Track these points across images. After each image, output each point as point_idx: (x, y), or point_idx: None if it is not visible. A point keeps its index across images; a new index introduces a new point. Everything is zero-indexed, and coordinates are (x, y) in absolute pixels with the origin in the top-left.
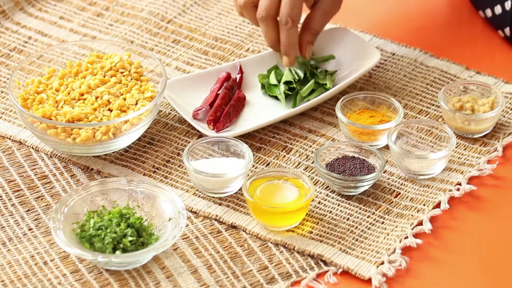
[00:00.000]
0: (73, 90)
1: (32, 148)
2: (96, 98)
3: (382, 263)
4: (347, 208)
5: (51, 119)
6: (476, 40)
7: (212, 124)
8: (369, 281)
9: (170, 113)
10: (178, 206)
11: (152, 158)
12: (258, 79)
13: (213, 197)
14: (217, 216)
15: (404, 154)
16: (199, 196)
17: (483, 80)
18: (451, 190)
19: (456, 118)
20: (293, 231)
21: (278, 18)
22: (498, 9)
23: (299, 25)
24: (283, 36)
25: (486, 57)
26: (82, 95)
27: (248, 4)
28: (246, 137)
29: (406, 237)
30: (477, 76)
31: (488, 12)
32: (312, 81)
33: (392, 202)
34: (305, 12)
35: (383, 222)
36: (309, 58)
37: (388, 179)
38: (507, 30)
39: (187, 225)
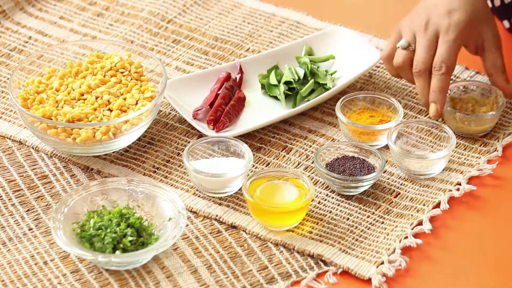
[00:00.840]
0: (73, 90)
1: (32, 148)
2: (96, 98)
3: (382, 263)
4: (347, 208)
5: (51, 119)
6: None
7: (212, 124)
8: (369, 281)
9: (170, 113)
10: (178, 206)
11: (152, 158)
12: (258, 79)
13: (213, 197)
14: (217, 216)
15: (404, 154)
16: (199, 196)
17: (483, 80)
18: (451, 190)
19: (456, 118)
20: (293, 231)
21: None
22: None
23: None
24: (434, 82)
25: None
26: (82, 95)
27: (406, 62)
28: (246, 137)
29: (406, 237)
30: (477, 76)
31: (497, 1)
32: (312, 81)
33: (392, 202)
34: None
35: (383, 222)
36: (510, 94)
37: (388, 179)
38: None
39: (187, 225)
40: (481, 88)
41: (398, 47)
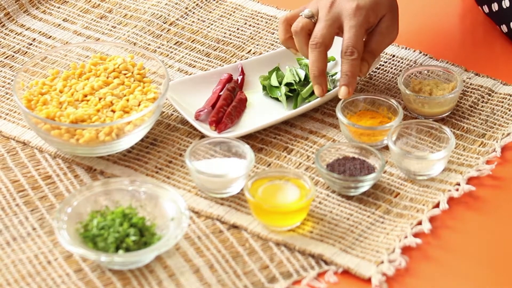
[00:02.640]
0: (77, 91)
1: (36, 148)
2: (100, 99)
3: (382, 262)
4: (347, 208)
5: (55, 120)
6: (475, 42)
7: (214, 125)
8: (369, 280)
9: (173, 114)
10: (181, 206)
11: (155, 159)
12: (259, 80)
13: (215, 197)
14: (218, 216)
15: (404, 155)
16: (201, 196)
17: (482, 81)
18: (450, 191)
19: (411, 99)
20: (294, 231)
21: (329, 48)
22: (506, 3)
23: None
24: (347, 66)
25: (486, 59)
26: (86, 96)
27: (304, 30)
28: (247, 138)
29: (406, 237)
30: (476, 77)
31: (495, 6)
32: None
33: (392, 202)
34: None
35: (383, 222)
36: (364, 75)
37: (388, 179)
38: None
39: (189, 225)
40: (446, 74)
41: (301, 15)
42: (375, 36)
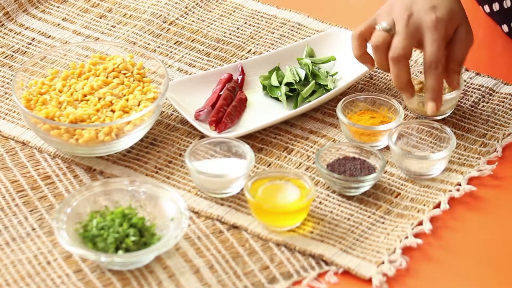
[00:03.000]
0: (76, 91)
1: (35, 148)
2: (99, 99)
3: (383, 262)
4: (347, 208)
5: (54, 120)
6: (476, 41)
7: (214, 125)
8: (369, 280)
9: (172, 114)
10: (180, 206)
11: (155, 159)
12: (259, 80)
13: (215, 197)
14: (218, 216)
15: (404, 155)
16: (201, 197)
17: (483, 81)
18: (451, 191)
19: (412, 99)
20: (294, 231)
21: (410, 60)
22: (507, 3)
23: None
24: (432, 81)
25: (487, 59)
26: (85, 96)
27: (385, 44)
28: (247, 138)
29: (407, 237)
30: (477, 77)
31: (496, 6)
32: (313, 82)
33: (393, 202)
34: None
35: (383, 222)
36: (459, 86)
37: (389, 179)
38: None
39: (189, 225)
40: None
41: (378, 29)
42: (458, 46)
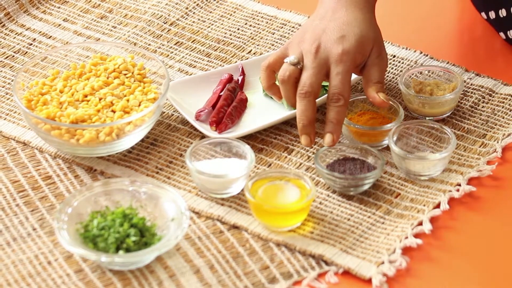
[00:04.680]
0: (77, 91)
1: (36, 149)
2: (100, 99)
3: (383, 263)
4: (348, 208)
5: (55, 120)
6: (476, 42)
7: (214, 125)
8: (369, 281)
9: (173, 115)
10: (181, 206)
11: (155, 159)
12: (260, 81)
13: (215, 197)
14: (219, 216)
15: (404, 155)
16: (201, 197)
17: (483, 82)
18: (451, 191)
19: (411, 100)
20: (294, 231)
21: (319, 96)
22: (503, 12)
23: None
24: (333, 114)
25: (486, 59)
26: (86, 96)
27: (291, 78)
28: (248, 138)
29: (406, 237)
30: (476, 77)
31: (492, 14)
32: None
33: (393, 202)
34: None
35: (383, 223)
36: (385, 104)
37: (389, 180)
38: (510, 33)
39: (189, 225)
40: (447, 74)
41: (286, 62)
42: (372, 69)
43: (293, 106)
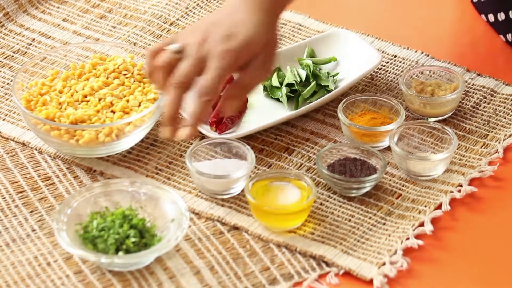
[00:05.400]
0: (76, 92)
1: (36, 149)
2: (99, 100)
3: (384, 264)
4: (349, 209)
5: (55, 121)
6: (477, 42)
7: (214, 125)
8: (370, 282)
9: None
10: (181, 207)
11: (155, 160)
12: None
13: (216, 198)
14: (219, 217)
15: (405, 156)
16: (201, 198)
17: (484, 82)
18: (452, 192)
19: (413, 100)
20: (295, 232)
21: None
22: (501, 16)
23: None
24: (194, 106)
25: (488, 59)
26: (85, 97)
27: (167, 66)
28: (248, 139)
29: (408, 238)
30: (478, 78)
31: (491, 17)
32: (314, 83)
33: (394, 203)
34: None
35: (384, 224)
36: (234, 112)
37: (390, 180)
38: (509, 36)
39: (189, 226)
40: (448, 74)
41: (168, 49)
42: (250, 71)
43: (162, 91)
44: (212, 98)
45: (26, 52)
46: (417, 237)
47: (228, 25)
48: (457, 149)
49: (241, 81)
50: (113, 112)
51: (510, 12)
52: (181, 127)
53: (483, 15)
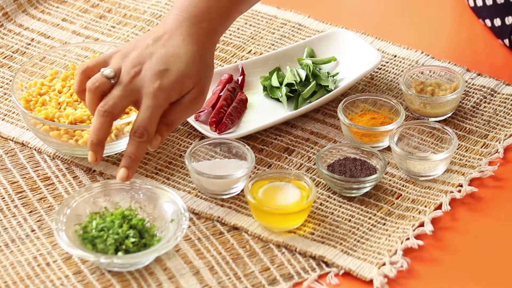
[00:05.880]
0: None
1: (35, 149)
2: None
3: (384, 264)
4: (348, 209)
5: (54, 121)
6: (477, 42)
7: (214, 125)
8: (370, 282)
9: None
10: (180, 207)
11: (155, 160)
12: (260, 81)
13: (215, 198)
14: (219, 217)
15: (405, 156)
16: (201, 198)
17: (485, 82)
18: (452, 192)
19: (413, 100)
20: (295, 233)
21: (127, 129)
22: (497, 21)
23: None
24: (132, 148)
25: (488, 59)
26: None
27: (98, 90)
28: (248, 139)
29: (408, 239)
30: (478, 77)
31: (488, 22)
32: (313, 83)
33: (394, 203)
34: None
35: (384, 224)
36: (154, 148)
37: (390, 180)
38: (506, 41)
39: (189, 227)
40: (448, 74)
41: (102, 72)
42: (176, 107)
43: (92, 115)
44: (147, 138)
45: (25, 52)
46: (417, 237)
47: (163, 59)
48: (457, 149)
49: (166, 120)
50: None
51: (506, 18)
52: (120, 167)
53: (481, 19)
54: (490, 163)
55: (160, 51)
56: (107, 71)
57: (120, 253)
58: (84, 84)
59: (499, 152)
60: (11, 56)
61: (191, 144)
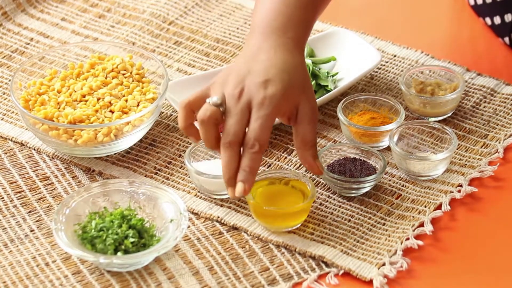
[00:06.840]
0: (75, 91)
1: (34, 149)
2: (98, 99)
3: (384, 264)
4: (348, 209)
5: (53, 121)
6: (477, 41)
7: None
8: (370, 282)
9: (172, 115)
10: (180, 207)
11: (154, 160)
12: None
13: (215, 198)
14: (218, 217)
15: (405, 156)
16: (200, 198)
17: (484, 81)
18: (452, 192)
19: (412, 100)
20: (294, 233)
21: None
22: (497, 19)
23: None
24: (247, 161)
25: (488, 59)
26: (84, 96)
27: (211, 120)
28: None
29: (407, 239)
30: (478, 77)
31: (488, 21)
32: (313, 83)
33: (394, 203)
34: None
35: (384, 224)
36: (322, 172)
37: (389, 180)
38: (506, 39)
39: (188, 227)
40: (448, 74)
41: (208, 102)
42: (303, 126)
43: (212, 148)
44: (259, 148)
45: (24, 51)
46: (417, 237)
47: (262, 71)
48: (457, 149)
49: (307, 138)
50: (112, 112)
51: (506, 16)
52: (237, 182)
53: (480, 18)
54: (490, 163)
55: (256, 66)
56: (214, 99)
57: (119, 253)
58: (189, 118)
59: (499, 152)
60: (10, 55)
61: (190, 144)
